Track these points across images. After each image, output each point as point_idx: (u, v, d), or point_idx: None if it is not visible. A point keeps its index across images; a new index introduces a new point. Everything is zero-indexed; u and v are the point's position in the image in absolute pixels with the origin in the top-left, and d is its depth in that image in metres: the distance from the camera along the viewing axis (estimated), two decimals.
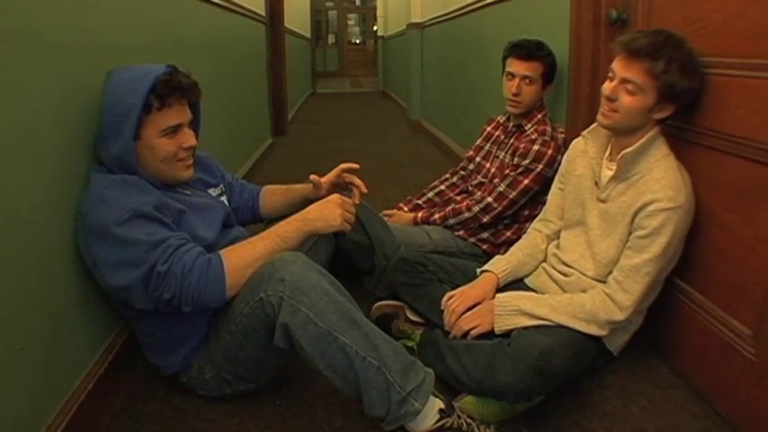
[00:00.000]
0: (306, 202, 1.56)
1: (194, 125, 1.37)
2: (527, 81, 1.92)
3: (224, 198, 1.53)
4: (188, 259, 1.16)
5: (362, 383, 1.12)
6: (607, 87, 1.32)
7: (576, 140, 1.56)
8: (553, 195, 1.62)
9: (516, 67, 1.94)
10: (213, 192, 1.50)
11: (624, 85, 1.29)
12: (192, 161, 1.34)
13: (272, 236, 1.27)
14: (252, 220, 1.70)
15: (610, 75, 1.33)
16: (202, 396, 1.36)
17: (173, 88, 1.23)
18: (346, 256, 1.71)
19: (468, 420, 1.19)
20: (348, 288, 1.25)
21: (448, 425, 1.16)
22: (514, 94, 1.94)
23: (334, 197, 1.36)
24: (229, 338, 1.25)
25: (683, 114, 1.36)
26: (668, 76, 1.25)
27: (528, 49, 1.93)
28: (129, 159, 1.22)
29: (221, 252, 1.22)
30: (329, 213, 1.32)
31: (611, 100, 1.31)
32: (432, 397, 1.17)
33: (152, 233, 1.15)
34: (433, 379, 1.20)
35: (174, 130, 1.26)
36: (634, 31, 1.44)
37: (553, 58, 1.96)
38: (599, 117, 1.37)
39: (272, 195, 1.69)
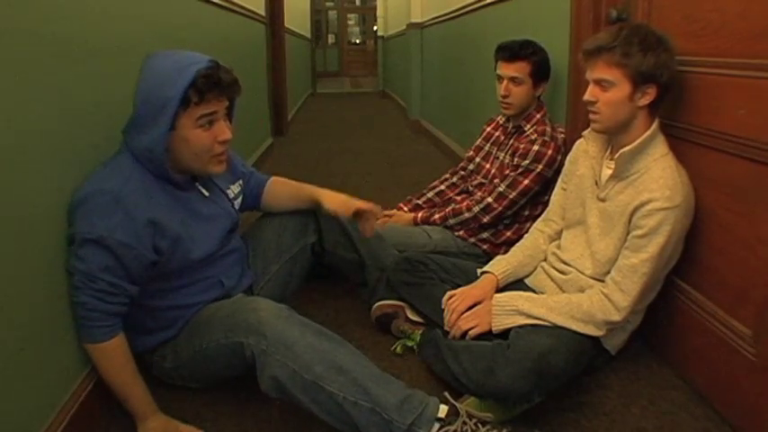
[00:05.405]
0: (312, 206, 1.61)
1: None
2: (514, 82, 1.92)
3: (239, 200, 1.53)
4: (91, 301, 1.17)
5: (361, 425, 1.12)
6: (586, 94, 1.37)
7: (578, 141, 1.56)
8: (556, 195, 1.62)
9: (502, 68, 1.94)
10: (234, 189, 1.50)
11: (598, 86, 1.34)
12: (225, 156, 1.32)
13: (133, 376, 1.25)
14: (251, 208, 1.67)
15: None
16: (204, 399, 1.36)
17: (213, 84, 1.20)
18: (336, 269, 1.74)
19: (477, 426, 1.15)
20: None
21: (452, 430, 1.13)
22: (503, 96, 1.94)
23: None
24: (199, 349, 1.29)
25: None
26: (629, 59, 1.28)
27: (512, 50, 1.92)
28: (158, 153, 1.20)
29: (110, 342, 1.20)
30: None
31: (591, 103, 1.36)
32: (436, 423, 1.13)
33: (98, 264, 1.16)
34: (436, 405, 1.16)
35: (210, 121, 1.24)
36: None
37: (541, 55, 1.94)
38: (591, 125, 1.41)
39: (279, 188, 1.67)
